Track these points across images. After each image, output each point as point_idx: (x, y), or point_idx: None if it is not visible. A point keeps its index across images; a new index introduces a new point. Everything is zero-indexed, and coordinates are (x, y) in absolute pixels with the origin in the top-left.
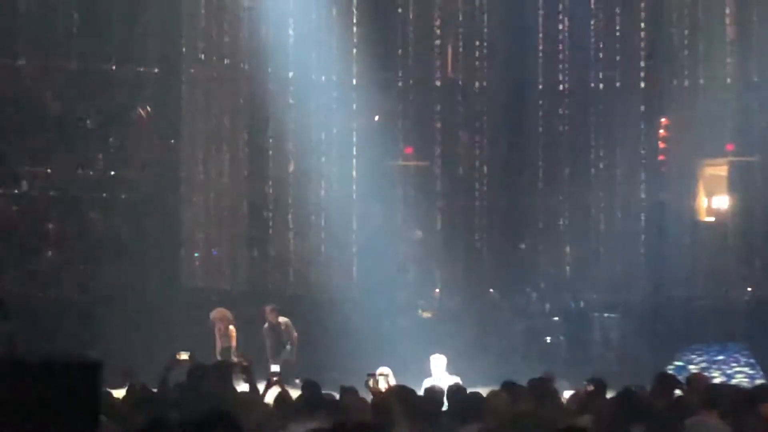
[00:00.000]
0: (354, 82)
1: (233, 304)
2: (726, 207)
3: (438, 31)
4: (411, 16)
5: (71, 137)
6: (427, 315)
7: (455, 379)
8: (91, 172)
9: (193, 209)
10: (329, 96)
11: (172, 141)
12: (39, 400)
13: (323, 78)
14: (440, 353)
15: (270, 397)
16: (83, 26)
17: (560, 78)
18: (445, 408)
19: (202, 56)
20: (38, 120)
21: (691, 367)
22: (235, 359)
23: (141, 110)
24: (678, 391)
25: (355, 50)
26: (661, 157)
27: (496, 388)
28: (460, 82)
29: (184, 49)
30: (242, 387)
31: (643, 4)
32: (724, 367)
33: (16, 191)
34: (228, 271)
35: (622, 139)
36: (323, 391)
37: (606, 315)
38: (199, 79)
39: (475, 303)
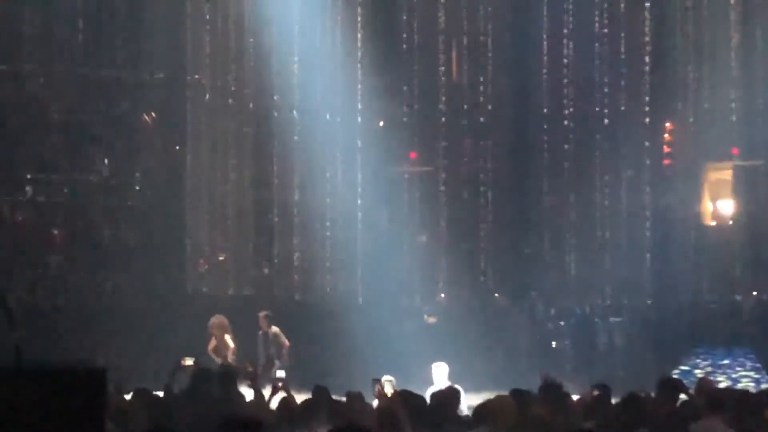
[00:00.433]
0: (359, 87)
1: (238, 310)
2: (731, 211)
3: (442, 37)
4: (415, 23)
5: (76, 143)
6: (432, 320)
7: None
8: (96, 179)
9: (198, 215)
10: (334, 101)
11: (177, 147)
12: (45, 406)
13: (328, 84)
14: (444, 359)
15: (275, 403)
16: (88, 33)
17: (565, 83)
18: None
19: (207, 62)
20: (43, 126)
21: (697, 371)
22: (230, 359)
23: (146, 116)
24: (683, 396)
25: (360, 56)
26: (666, 162)
27: (502, 392)
28: (465, 88)
29: (189, 56)
30: (246, 391)
31: (648, 4)
32: (729, 371)
33: (21, 198)
34: (233, 277)
35: (627, 144)
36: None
37: (611, 320)
38: (203, 85)
39: (481, 308)
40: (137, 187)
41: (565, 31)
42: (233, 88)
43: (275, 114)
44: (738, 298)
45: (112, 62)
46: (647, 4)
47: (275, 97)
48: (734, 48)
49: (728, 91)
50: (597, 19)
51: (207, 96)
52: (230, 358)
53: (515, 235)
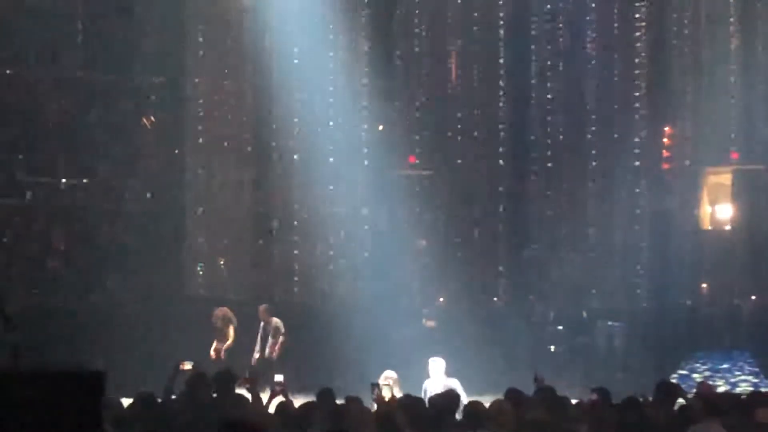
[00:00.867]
0: (360, 91)
1: (237, 314)
2: (730, 215)
3: (443, 41)
4: (416, 27)
5: (75, 147)
6: (431, 324)
7: (453, 382)
8: (95, 182)
9: (198, 218)
10: (335, 105)
11: (176, 151)
12: (43, 409)
13: (329, 87)
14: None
15: (273, 407)
16: (88, 36)
17: (563, 86)
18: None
19: (207, 65)
20: (43, 129)
21: (695, 375)
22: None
23: (146, 119)
24: (681, 400)
25: (360, 59)
26: (664, 166)
27: (501, 396)
28: (464, 92)
29: (188, 59)
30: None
31: (644, 10)
32: (728, 375)
33: (20, 201)
34: (232, 281)
35: (625, 148)
36: None
37: (610, 324)
38: (203, 88)
39: (480, 312)
40: (136, 191)
41: (561, 38)
42: (232, 92)
43: (275, 118)
44: (737, 302)
45: (112, 66)
46: (644, 9)
47: (275, 102)
48: (734, 50)
49: (728, 95)
50: (592, 18)
51: (206, 100)
52: (222, 353)
53: (514, 238)
